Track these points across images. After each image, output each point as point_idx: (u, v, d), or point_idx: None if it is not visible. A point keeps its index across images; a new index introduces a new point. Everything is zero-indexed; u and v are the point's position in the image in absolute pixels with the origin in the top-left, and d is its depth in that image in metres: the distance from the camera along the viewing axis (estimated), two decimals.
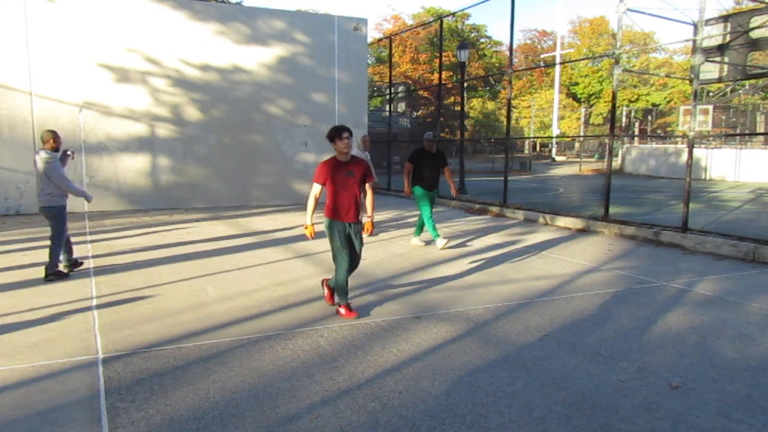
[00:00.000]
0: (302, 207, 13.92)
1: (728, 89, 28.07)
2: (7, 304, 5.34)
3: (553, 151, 48.78)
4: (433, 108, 35.03)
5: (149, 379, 3.68)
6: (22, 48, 11.79)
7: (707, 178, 26.14)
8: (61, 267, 6.54)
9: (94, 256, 7.57)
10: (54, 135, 6.35)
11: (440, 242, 8.27)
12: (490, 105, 45.22)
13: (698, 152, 25.44)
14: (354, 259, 5.07)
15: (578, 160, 37.25)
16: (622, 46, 10.75)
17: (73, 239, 6.90)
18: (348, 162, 4.94)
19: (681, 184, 10.88)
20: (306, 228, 5.06)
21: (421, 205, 8.46)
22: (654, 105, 41.92)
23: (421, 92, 36.51)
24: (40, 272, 6.42)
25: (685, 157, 10.96)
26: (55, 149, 6.37)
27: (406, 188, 8.50)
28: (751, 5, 13.26)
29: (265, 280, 6.39)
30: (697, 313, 5.29)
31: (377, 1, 73.22)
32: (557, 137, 44.88)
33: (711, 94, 29.32)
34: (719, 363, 4.06)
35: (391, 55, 21.62)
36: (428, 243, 8.71)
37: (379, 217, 11.54)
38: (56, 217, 6.36)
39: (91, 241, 8.73)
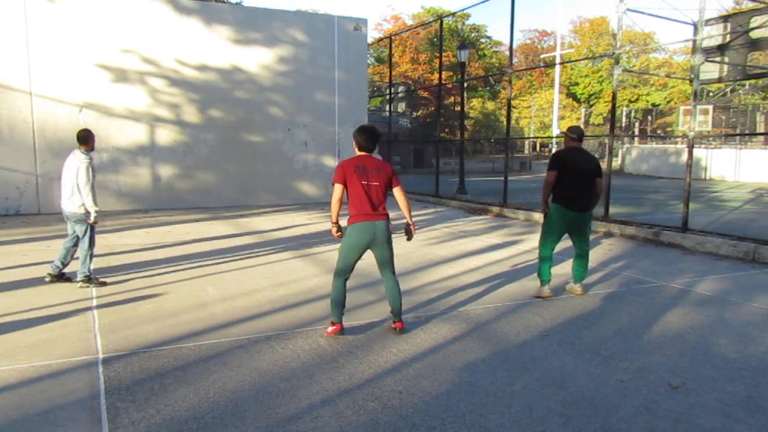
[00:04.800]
0: (302, 207, 13.92)
1: (728, 89, 28.07)
2: (7, 304, 5.34)
3: (553, 151, 48.73)
4: (433, 108, 35.01)
5: (149, 379, 3.67)
6: (22, 48, 11.78)
7: (707, 178, 26.15)
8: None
9: (94, 256, 7.55)
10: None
11: (544, 290, 5.77)
12: (490, 105, 45.21)
13: (698, 152, 25.44)
14: None
15: None
16: (622, 46, 10.75)
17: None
18: None
19: (681, 184, 10.87)
20: None
21: (549, 234, 5.77)
22: (654, 105, 41.89)
23: (421, 92, 36.50)
24: (40, 272, 6.41)
25: (685, 157, 10.97)
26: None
27: (545, 209, 5.83)
28: (751, 5, 13.27)
29: (266, 280, 6.39)
30: (697, 313, 5.29)
31: (377, 1, 73.23)
32: (557, 137, 44.81)
33: (711, 94, 29.32)
34: (719, 363, 4.06)
35: (391, 55, 21.62)
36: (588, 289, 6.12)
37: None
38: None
39: None
